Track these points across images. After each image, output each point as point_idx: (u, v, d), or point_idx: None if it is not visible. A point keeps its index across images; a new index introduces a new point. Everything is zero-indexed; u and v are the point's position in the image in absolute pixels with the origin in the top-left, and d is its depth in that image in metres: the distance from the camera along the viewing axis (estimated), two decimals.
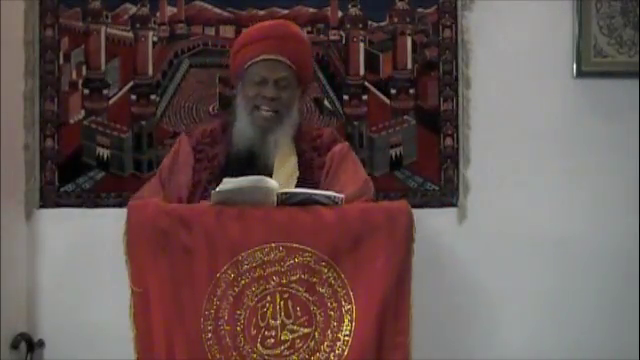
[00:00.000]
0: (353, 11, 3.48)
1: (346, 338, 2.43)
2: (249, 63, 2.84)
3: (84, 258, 3.41)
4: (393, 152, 3.49)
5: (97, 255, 3.35)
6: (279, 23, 3.01)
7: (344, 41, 3.49)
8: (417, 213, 2.57)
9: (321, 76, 3.47)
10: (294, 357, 2.42)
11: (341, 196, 2.55)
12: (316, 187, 2.75)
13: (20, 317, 3.39)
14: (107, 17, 3.46)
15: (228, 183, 2.50)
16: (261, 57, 2.82)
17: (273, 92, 2.81)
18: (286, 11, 3.47)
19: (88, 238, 3.41)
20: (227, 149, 2.87)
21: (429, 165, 3.50)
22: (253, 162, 2.79)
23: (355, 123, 3.48)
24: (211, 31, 3.48)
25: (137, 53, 3.46)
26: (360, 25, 3.49)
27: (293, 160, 2.84)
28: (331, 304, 2.44)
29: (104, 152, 3.46)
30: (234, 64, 2.92)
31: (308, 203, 2.52)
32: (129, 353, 2.49)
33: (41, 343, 3.42)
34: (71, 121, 3.46)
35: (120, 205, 3.27)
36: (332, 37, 3.48)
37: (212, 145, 2.90)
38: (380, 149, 3.48)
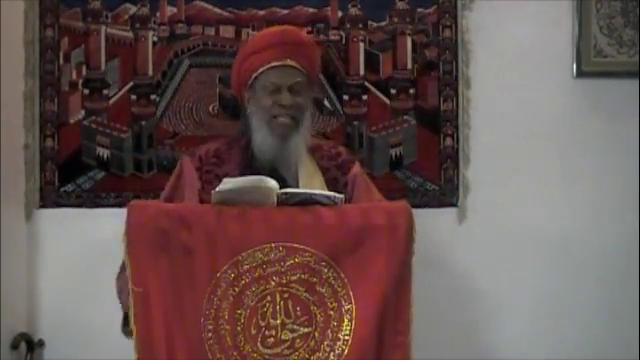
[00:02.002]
0: (353, 11, 3.49)
1: (346, 338, 2.43)
2: (259, 71, 2.79)
3: (84, 258, 3.41)
4: (393, 152, 3.50)
5: (97, 255, 3.34)
6: (285, 29, 2.95)
7: (344, 41, 3.49)
8: (417, 213, 2.57)
9: (321, 76, 3.46)
10: (294, 356, 2.42)
11: (340, 196, 2.55)
12: None
13: (20, 317, 3.39)
14: (107, 17, 3.46)
15: (228, 183, 2.50)
16: (272, 64, 2.77)
17: (289, 99, 2.76)
18: (286, 11, 3.47)
19: (88, 238, 3.41)
20: (240, 166, 2.81)
21: (429, 165, 3.50)
22: (273, 175, 2.69)
23: (355, 123, 3.48)
24: (211, 31, 3.48)
25: (137, 53, 3.46)
26: (360, 25, 3.49)
27: (319, 178, 2.80)
28: (331, 304, 2.45)
29: (104, 152, 3.46)
30: (240, 73, 2.85)
31: (308, 203, 2.52)
32: (129, 353, 2.49)
33: (41, 343, 3.42)
34: (71, 121, 3.46)
35: (120, 205, 3.27)
36: (332, 37, 3.48)
37: (220, 165, 2.83)
38: (380, 149, 3.48)
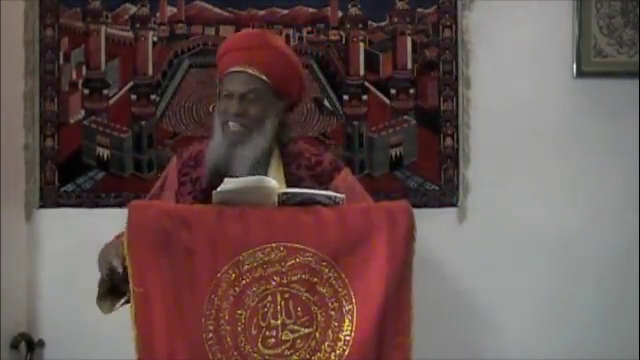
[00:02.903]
0: (353, 11, 3.49)
1: (347, 338, 2.42)
2: (223, 74, 2.76)
3: (84, 258, 3.36)
4: (393, 152, 3.50)
5: (97, 255, 3.33)
6: (252, 33, 2.90)
7: (344, 41, 3.49)
8: (417, 213, 2.56)
9: (321, 76, 3.47)
10: (295, 357, 2.41)
11: (342, 196, 2.54)
12: None
13: (20, 317, 3.39)
14: (107, 17, 3.46)
15: (229, 183, 2.49)
16: (230, 69, 2.71)
17: (237, 107, 2.67)
18: (286, 11, 3.47)
19: (88, 238, 3.38)
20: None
21: (429, 165, 3.50)
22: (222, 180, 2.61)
23: (355, 123, 3.49)
24: (211, 31, 3.48)
25: (137, 53, 3.47)
26: (360, 25, 3.49)
27: (282, 186, 2.66)
28: (332, 304, 2.44)
29: (104, 152, 3.46)
30: (218, 72, 2.83)
31: (309, 203, 2.51)
32: (129, 353, 2.48)
33: (41, 343, 3.42)
34: (71, 121, 3.46)
35: (120, 205, 3.28)
36: (332, 37, 3.48)
37: (195, 168, 2.78)
38: (380, 149, 3.48)
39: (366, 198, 2.80)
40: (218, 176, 2.60)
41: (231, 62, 2.72)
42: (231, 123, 2.69)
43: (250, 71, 2.69)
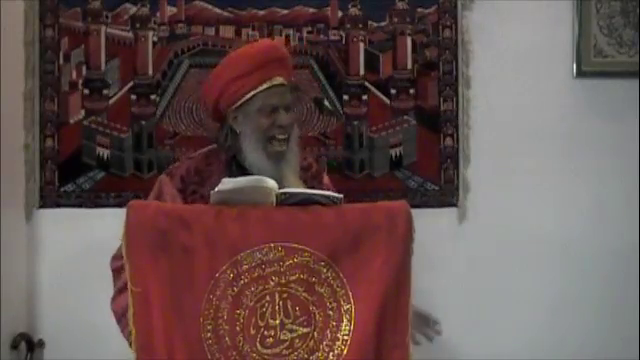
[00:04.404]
0: (353, 11, 3.49)
1: (345, 338, 2.42)
2: (251, 94, 2.72)
3: (84, 258, 3.41)
4: (393, 152, 3.50)
5: (97, 255, 3.32)
6: (271, 45, 2.89)
7: (344, 41, 3.49)
8: (417, 213, 2.56)
9: (321, 76, 3.47)
10: (293, 356, 2.41)
11: (340, 196, 2.54)
12: None
13: (20, 317, 3.39)
14: (107, 17, 3.46)
15: (227, 183, 2.49)
16: (267, 84, 2.72)
17: (286, 118, 2.73)
18: (286, 11, 3.47)
19: (88, 238, 3.42)
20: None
21: (429, 165, 3.50)
22: None
23: (355, 123, 3.49)
24: (211, 31, 3.48)
25: (137, 53, 3.47)
26: (360, 25, 3.49)
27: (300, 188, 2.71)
28: (330, 304, 2.44)
29: (104, 152, 3.46)
30: (225, 96, 2.75)
31: (307, 203, 2.51)
32: (129, 353, 2.49)
33: (41, 343, 3.42)
34: (71, 121, 3.46)
35: (120, 205, 3.27)
36: (332, 37, 3.48)
37: (202, 184, 2.77)
38: (380, 149, 3.48)
39: None
40: None
41: (260, 79, 2.71)
42: (280, 136, 2.73)
43: (286, 82, 2.76)
